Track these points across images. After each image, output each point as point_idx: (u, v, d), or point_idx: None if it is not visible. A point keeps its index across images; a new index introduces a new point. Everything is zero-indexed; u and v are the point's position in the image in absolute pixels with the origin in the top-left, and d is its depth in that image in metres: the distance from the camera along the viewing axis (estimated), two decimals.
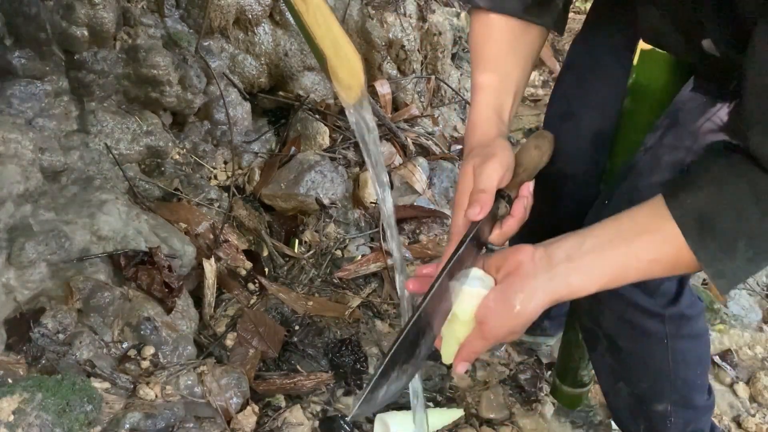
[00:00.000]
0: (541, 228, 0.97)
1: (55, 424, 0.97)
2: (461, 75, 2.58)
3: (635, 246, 0.75)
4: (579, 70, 1.10)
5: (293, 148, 1.86)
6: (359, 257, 1.73)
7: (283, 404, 1.31)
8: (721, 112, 0.87)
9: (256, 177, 1.79)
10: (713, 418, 1.31)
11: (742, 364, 1.70)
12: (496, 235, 0.87)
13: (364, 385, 0.70)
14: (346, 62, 0.74)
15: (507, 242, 0.93)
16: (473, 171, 0.86)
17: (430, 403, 1.41)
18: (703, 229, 0.71)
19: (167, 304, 1.28)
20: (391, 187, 1.94)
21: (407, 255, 1.77)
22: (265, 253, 1.65)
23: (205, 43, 1.74)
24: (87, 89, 1.50)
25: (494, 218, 0.86)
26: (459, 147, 2.22)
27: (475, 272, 0.81)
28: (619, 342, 1.09)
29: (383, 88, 2.17)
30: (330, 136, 1.94)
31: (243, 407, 1.23)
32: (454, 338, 0.81)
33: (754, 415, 1.55)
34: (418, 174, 1.97)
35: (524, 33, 0.97)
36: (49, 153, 1.35)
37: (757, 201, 0.69)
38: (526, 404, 1.45)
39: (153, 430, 1.08)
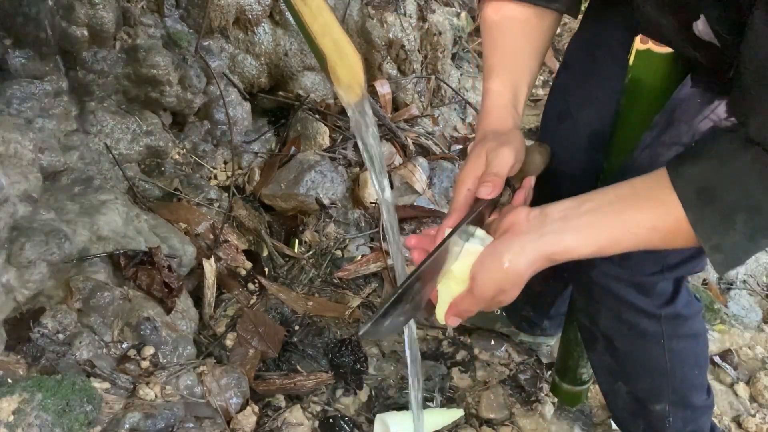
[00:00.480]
0: None
1: (55, 424, 0.97)
2: (461, 75, 2.58)
3: (634, 212, 0.74)
4: (576, 69, 1.10)
5: (293, 148, 1.86)
6: (359, 257, 1.73)
7: (283, 404, 1.31)
8: (719, 109, 0.87)
9: (256, 177, 1.79)
10: (713, 418, 1.31)
11: (742, 364, 1.70)
12: (494, 219, 0.89)
13: (376, 311, 0.73)
14: (346, 62, 0.74)
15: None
16: (486, 154, 0.87)
17: (430, 403, 1.41)
18: (703, 201, 0.70)
19: (167, 304, 1.28)
20: (391, 187, 1.94)
21: (407, 255, 1.77)
22: (265, 253, 1.65)
23: (205, 43, 1.74)
24: (87, 89, 1.50)
25: (495, 204, 0.88)
26: (459, 147, 2.22)
27: (478, 232, 0.82)
28: (616, 342, 1.10)
29: (383, 88, 2.17)
30: (330, 136, 1.94)
31: (243, 407, 1.23)
32: (449, 296, 0.82)
33: (754, 415, 1.55)
34: (418, 174, 1.97)
35: (537, 19, 0.97)
36: (49, 153, 1.35)
37: (759, 176, 0.68)
38: (526, 404, 1.45)
39: (153, 430, 1.08)
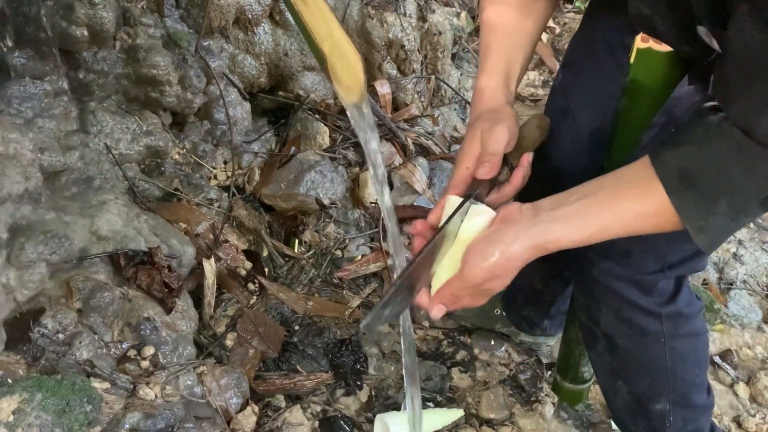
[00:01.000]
0: None
1: (54, 425, 0.97)
2: (461, 75, 2.58)
3: (620, 199, 0.77)
4: (576, 68, 1.11)
5: (293, 148, 1.86)
6: (359, 257, 1.73)
7: (283, 404, 1.31)
8: None
9: (256, 177, 1.79)
10: (713, 418, 1.31)
11: (742, 364, 1.70)
12: (493, 198, 0.91)
13: (378, 301, 0.78)
14: (346, 62, 0.74)
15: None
16: (481, 134, 0.89)
17: (430, 403, 1.41)
18: (686, 186, 0.73)
19: (167, 304, 1.28)
20: (391, 187, 1.94)
21: (407, 255, 1.77)
22: (265, 253, 1.65)
23: (205, 43, 1.74)
24: (87, 89, 1.50)
25: (494, 182, 0.91)
26: (459, 147, 2.22)
27: (480, 207, 0.85)
28: (617, 341, 1.10)
29: (383, 88, 2.17)
30: (330, 136, 1.94)
31: (243, 407, 1.23)
32: (445, 277, 0.83)
33: (754, 416, 1.55)
34: (418, 174, 1.97)
35: (534, 1, 0.99)
36: (48, 153, 1.35)
37: (739, 159, 0.70)
38: (526, 404, 1.45)
39: (153, 430, 1.08)
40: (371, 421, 1.32)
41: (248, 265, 1.59)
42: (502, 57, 0.98)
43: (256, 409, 1.25)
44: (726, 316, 1.84)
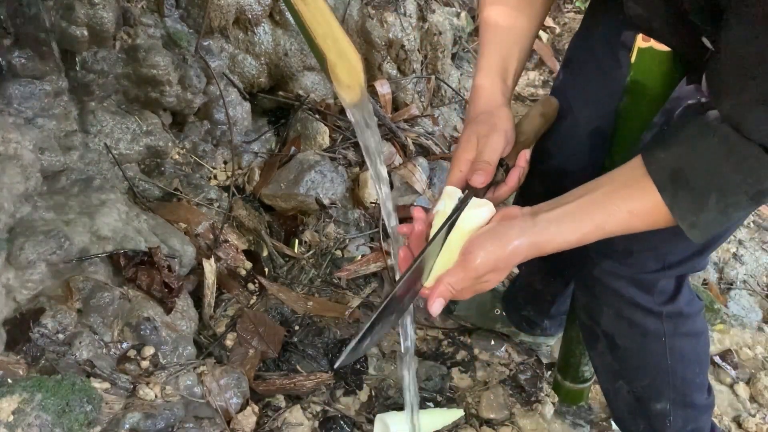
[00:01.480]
0: None
1: (54, 425, 0.97)
2: (461, 75, 2.58)
3: (614, 199, 0.79)
4: (577, 67, 1.11)
5: (293, 148, 1.86)
6: (359, 257, 1.73)
7: (283, 404, 1.31)
8: None
9: (256, 177, 1.79)
10: (713, 418, 1.31)
11: (742, 364, 1.70)
12: (489, 198, 0.91)
13: (352, 338, 0.76)
14: (346, 62, 0.74)
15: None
16: (477, 139, 0.90)
17: (430, 404, 1.41)
18: (677, 184, 0.75)
19: (167, 304, 1.28)
20: (391, 187, 1.94)
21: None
22: (265, 253, 1.65)
23: (205, 43, 1.74)
24: (87, 89, 1.50)
25: (489, 183, 0.91)
26: (454, 147, 2.22)
27: (482, 200, 0.85)
28: (617, 340, 1.10)
29: (383, 88, 2.17)
30: (330, 136, 1.94)
31: (243, 407, 1.23)
32: (443, 266, 0.83)
33: (754, 416, 1.55)
34: (418, 174, 1.97)
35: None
36: (48, 153, 1.35)
37: (727, 156, 0.72)
38: (526, 404, 1.45)
39: (153, 430, 1.08)
40: (371, 421, 1.32)
41: (248, 265, 1.59)
42: (498, 54, 0.98)
43: (256, 409, 1.25)
44: (726, 316, 1.84)
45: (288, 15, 1.86)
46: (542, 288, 1.39)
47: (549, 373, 1.53)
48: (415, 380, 1.10)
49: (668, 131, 0.79)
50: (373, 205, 1.84)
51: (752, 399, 1.62)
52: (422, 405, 1.39)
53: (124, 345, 1.20)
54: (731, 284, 1.98)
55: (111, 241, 1.28)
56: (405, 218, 1.86)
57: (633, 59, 0.98)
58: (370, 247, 1.78)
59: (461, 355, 1.55)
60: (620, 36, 1.00)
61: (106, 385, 1.11)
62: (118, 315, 1.21)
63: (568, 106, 1.08)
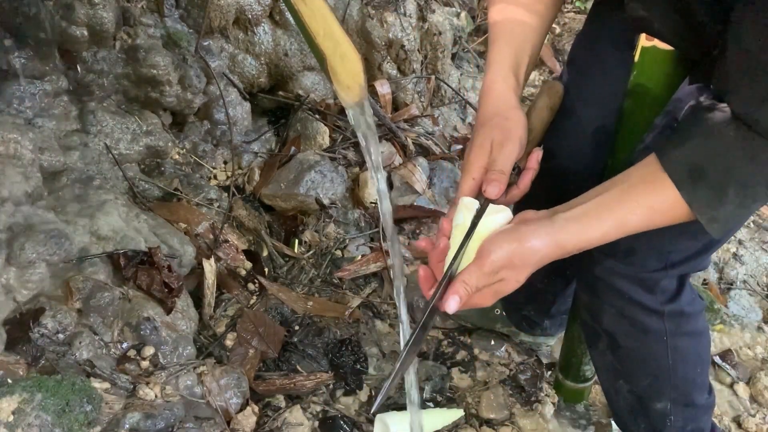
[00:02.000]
0: None
1: (54, 425, 0.97)
2: (461, 75, 2.58)
3: (633, 194, 0.78)
4: (580, 66, 1.11)
5: (293, 148, 1.86)
6: (359, 257, 1.73)
7: (283, 404, 1.31)
8: None
9: (256, 177, 1.78)
10: (713, 418, 1.31)
11: (742, 364, 1.70)
12: (500, 201, 0.90)
13: (384, 384, 0.76)
14: (346, 62, 0.74)
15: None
16: (491, 145, 0.88)
17: (430, 403, 1.41)
18: (695, 180, 0.75)
19: (167, 304, 1.28)
20: (391, 187, 1.94)
21: (407, 255, 1.77)
22: (265, 253, 1.65)
23: (205, 43, 1.74)
24: (87, 89, 1.50)
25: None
26: (459, 147, 2.22)
27: (498, 207, 0.85)
28: (619, 339, 1.10)
29: (383, 88, 2.17)
30: (330, 136, 1.94)
31: (243, 407, 1.23)
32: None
33: (754, 416, 1.55)
34: (418, 174, 1.97)
35: None
36: (48, 153, 1.34)
37: (743, 150, 0.72)
38: (526, 404, 1.45)
39: (153, 430, 1.08)
40: (371, 421, 1.32)
41: (248, 265, 1.59)
42: (509, 48, 0.97)
43: (256, 409, 1.25)
44: (726, 316, 1.84)
45: (288, 15, 1.86)
46: (543, 287, 1.38)
47: (549, 373, 1.53)
48: (417, 380, 1.10)
49: (680, 130, 0.79)
50: (373, 205, 1.84)
51: (752, 399, 1.62)
52: (422, 405, 1.39)
53: (124, 345, 1.20)
54: (731, 284, 1.98)
55: (111, 241, 1.28)
56: (404, 218, 1.87)
57: (636, 59, 0.98)
58: (370, 247, 1.78)
59: (461, 355, 1.55)
60: (624, 35, 1.00)
61: (106, 385, 1.11)
62: (118, 315, 1.21)
63: (572, 106, 1.08)
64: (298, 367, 1.40)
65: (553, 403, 1.45)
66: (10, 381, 1.02)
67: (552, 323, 1.51)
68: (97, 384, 1.09)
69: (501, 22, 0.99)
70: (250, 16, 1.81)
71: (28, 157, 1.25)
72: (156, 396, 1.14)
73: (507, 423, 1.40)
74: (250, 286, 1.56)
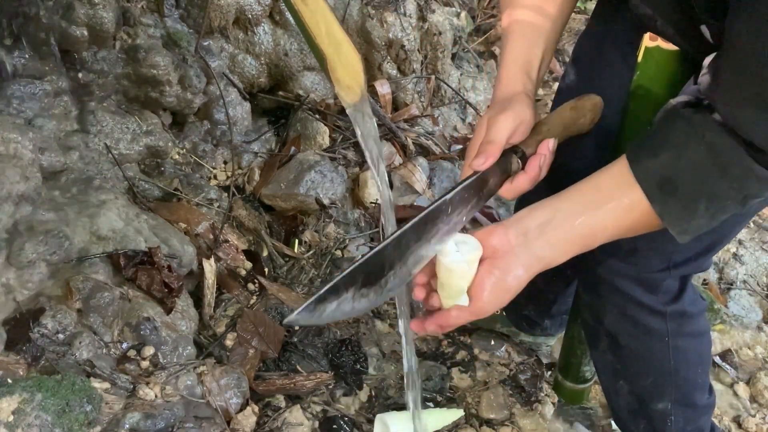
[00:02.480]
0: None
1: (54, 425, 0.97)
2: (461, 75, 2.58)
3: (602, 214, 0.78)
4: (584, 65, 1.10)
5: (293, 148, 1.86)
6: (359, 257, 1.73)
7: (283, 404, 1.31)
8: None
9: (256, 177, 1.78)
10: (713, 418, 1.31)
11: (742, 364, 1.70)
12: (506, 189, 0.89)
13: (313, 294, 0.70)
14: (346, 62, 0.74)
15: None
16: (487, 122, 0.87)
17: (430, 404, 1.41)
18: (666, 193, 0.75)
19: (167, 304, 1.28)
20: (391, 187, 1.94)
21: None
22: (265, 253, 1.65)
23: (205, 43, 1.74)
24: (87, 89, 1.50)
25: (505, 173, 0.87)
26: (459, 147, 2.22)
27: (463, 237, 0.80)
28: (620, 339, 1.10)
29: (383, 88, 2.17)
30: (330, 136, 1.94)
31: (243, 407, 1.23)
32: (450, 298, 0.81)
33: (754, 416, 1.55)
34: (418, 174, 1.97)
35: None
36: (48, 153, 1.34)
37: (714, 162, 0.71)
38: (526, 404, 1.45)
39: (153, 430, 1.08)
40: (371, 421, 1.32)
41: (248, 265, 1.59)
42: (521, 47, 0.96)
43: (256, 409, 1.25)
44: (726, 316, 1.84)
45: (288, 15, 1.86)
46: (544, 287, 1.38)
47: (549, 373, 1.52)
48: (419, 380, 1.10)
49: (653, 136, 0.78)
50: (373, 205, 1.84)
51: (752, 399, 1.62)
52: (422, 405, 1.39)
53: (124, 345, 1.20)
54: (731, 284, 1.98)
55: (111, 241, 1.28)
56: (404, 218, 1.86)
57: (639, 59, 0.97)
58: (370, 247, 1.77)
59: (461, 355, 1.55)
60: (628, 34, 0.99)
61: (106, 385, 1.11)
62: (118, 315, 1.21)
63: None
64: (298, 367, 1.40)
65: (553, 403, 1.45)
66: (10, 381, 1.01)
67: (552, 323, 1.51)
68: (97, 384, 1.09)
69: (513, 23, 0.98)
70: (250, 16, 1.81)
71: (28, 157, 1.24)
72: (156, 396, 1.14)
73: (507, 423, 1.40)
74: (250, 286, 1.56)
